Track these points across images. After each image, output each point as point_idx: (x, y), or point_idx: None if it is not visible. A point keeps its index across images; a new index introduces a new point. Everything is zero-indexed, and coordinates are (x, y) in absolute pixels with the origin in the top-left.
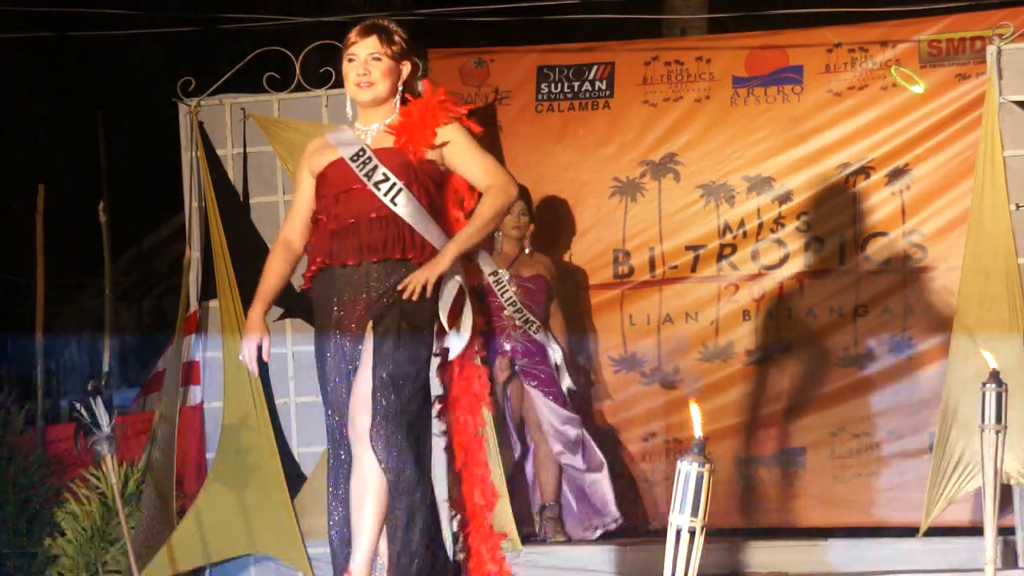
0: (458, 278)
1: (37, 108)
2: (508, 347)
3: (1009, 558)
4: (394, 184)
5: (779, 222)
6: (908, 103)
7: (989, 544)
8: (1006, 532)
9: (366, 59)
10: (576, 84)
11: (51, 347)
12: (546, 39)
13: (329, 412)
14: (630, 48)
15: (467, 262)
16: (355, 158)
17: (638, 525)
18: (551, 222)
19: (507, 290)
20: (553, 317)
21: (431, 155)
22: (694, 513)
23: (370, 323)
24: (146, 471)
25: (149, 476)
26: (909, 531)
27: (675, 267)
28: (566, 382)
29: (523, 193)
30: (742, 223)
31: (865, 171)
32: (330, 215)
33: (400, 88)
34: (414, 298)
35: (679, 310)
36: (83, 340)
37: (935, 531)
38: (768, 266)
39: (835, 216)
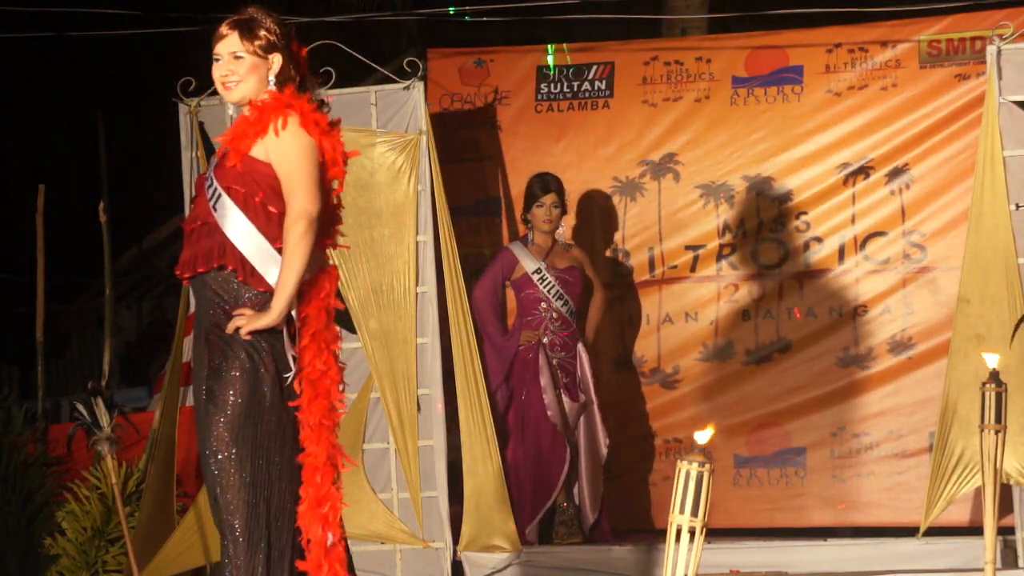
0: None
1: (37, 108)
2: (546, 340)
3: (1009, 558)
4: (215, 189)
5: (779, 222)
6: (908, 103)
7: (989, 544)
8: (1006, 532)
9: (228, 58)
10: (576, 84)
11: (51, 347)
12: (546, 39)
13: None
14: (630, 48)
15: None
16: (214, 158)
17: (638, 525)
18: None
19: (549, 282)
20: (591, 315)
21: (265, 159)
22: (694, 513)
23: (206, 359)
24: (146, 471)
25: (149, 476)
26: (909, 531)
27: (675, 267)
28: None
29: (555, 184)
30: (742, 223)
31: (865, 171)
32: (187, 219)
33: (271, 82)
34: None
35: (679, 310)
36: (83, 340)
37: (935, 531)
38: (768, 266)
39: (835, 216)
